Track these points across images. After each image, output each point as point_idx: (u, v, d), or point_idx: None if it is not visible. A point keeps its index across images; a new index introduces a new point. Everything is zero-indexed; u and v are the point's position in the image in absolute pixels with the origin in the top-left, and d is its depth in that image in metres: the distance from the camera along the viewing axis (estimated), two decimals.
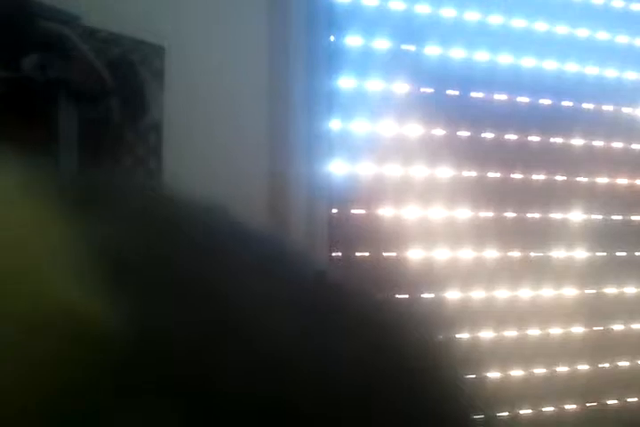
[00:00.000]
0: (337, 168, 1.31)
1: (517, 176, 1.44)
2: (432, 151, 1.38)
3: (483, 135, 1.42)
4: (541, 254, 1.43)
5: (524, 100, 1.45)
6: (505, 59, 1.45)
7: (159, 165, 0.92)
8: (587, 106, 1.49)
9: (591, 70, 1.50)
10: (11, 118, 0.74)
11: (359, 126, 1.34)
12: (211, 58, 1.08)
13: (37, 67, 0.76)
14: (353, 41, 1.34)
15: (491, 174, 1.42)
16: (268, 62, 1.18)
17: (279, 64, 1.21)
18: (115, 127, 0.83)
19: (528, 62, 1.46)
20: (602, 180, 1.50)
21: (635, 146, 1.52)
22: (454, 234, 1.38)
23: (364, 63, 1.35)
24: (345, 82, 1.33)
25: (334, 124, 1.31)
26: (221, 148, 1.09)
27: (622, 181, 1.51)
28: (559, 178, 1.46)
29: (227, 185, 1.09)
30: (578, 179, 1.48)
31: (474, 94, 1.42)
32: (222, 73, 1.10)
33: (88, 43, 0.83)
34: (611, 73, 1.52)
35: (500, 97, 1.44)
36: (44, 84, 0.76)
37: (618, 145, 1.50)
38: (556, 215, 1.45)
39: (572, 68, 1.49)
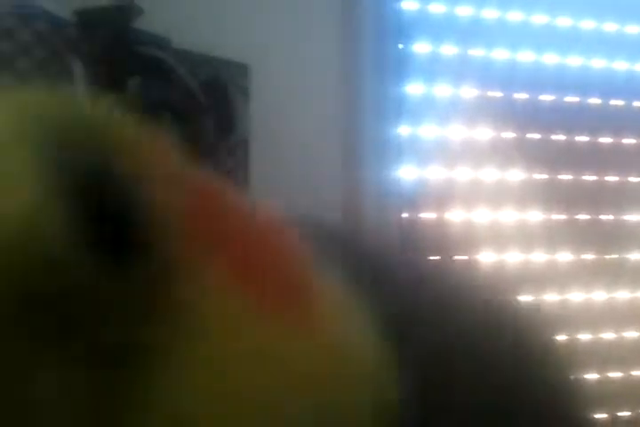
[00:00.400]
0: (407, 173, 1.34)
1: (589, 178, 1.44)
2: (502, 154, 1.39)
3: (553, 137, 1.43)
4: (616, 257, 1.42)
5: (594, 101, 1.45)
6: (574, 60, 1.45)
7: (246, 178, 0.96)
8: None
9: None
10: None
11: (428, 131, 1.36)
12: (287, 72, 1.12)
13: (140, 89, 0.81)
14: (421, 47, 1.36)
15: (562, 176, 1.43)
16: (340, 72, 1.22)
17: (350, 73, 1.24)
18: (208, 145, 0.87)
19: (598, 63, 1.46)
20: None
21: None
22: (526, 237, 1.39)
23: (432, 69, 1.37)
24: (414, 88, 1.35)
25: (404, 130, 1.33)
26: (299, 158, 1.12)
27: None
28: (632, 179, 1.46)
29: (304, 194, 1.12)
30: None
31: (542, 97, 1.43)
32: (298, 86, 1.14)
33: (181, 65, 0.87)
34: None
35: (570, 99, 1.44)
36: (147, 105, 0.81)
37: None
38: (631, 217, 1.45)
39: None
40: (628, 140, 1.46)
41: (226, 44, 0.95)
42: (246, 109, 0.94)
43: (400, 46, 1.33)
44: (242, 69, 0.96)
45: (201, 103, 0.84)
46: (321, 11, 1.17)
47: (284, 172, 1.08)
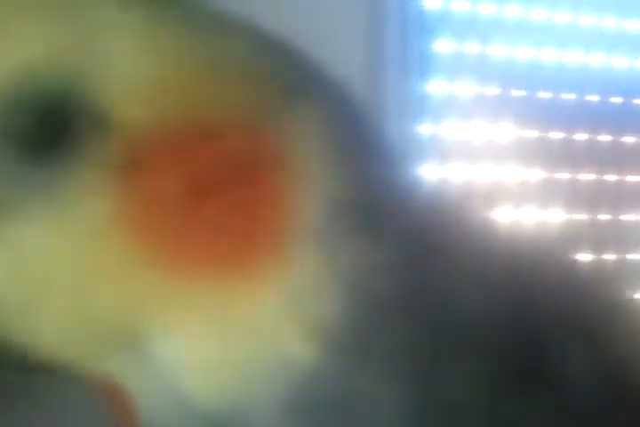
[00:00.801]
0: (428, 172, 1.33)
1: (611, 177, 1.43)
2: (524, 153, 1.38)
3: (576, 136, 1.42)
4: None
5: (617, 100, 1.44)
6: (596, 59, 1.44)
7: None
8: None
9: None
10: None
11: (450, 130, 1.35)
12: None
13: None
14: (444, 45, 1.35)
15: (583, 176, 1.41)
16: (363, 71, 1.21)
17: (374, 72, 1.24)
18: None
19: (620, 62, 1.45)
20: None
21: None
22: (548, 237, 1.38)
23: (455, 67, 1.36)
24: (436, 86, 1.34)
25: (426, 129, 1.32)
26: None
27: None
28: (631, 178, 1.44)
29: None
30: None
31: (565, 95, 1.42)
32: None
33: None
34: None
35: (593, 97, 1.43)
36: None
37: None
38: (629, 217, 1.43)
39: None
40: None
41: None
42: None
43: (424, 44, 1.32)
44: None
45: None
46: (346, 9, 1.16)
47: None
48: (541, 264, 0.25)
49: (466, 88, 1.37)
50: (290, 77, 0.21)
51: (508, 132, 1.38)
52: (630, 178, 1.44)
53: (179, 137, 0.19)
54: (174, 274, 0.19)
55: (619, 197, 1.43)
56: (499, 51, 1.39)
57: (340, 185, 0.21)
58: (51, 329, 0.20)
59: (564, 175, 1.40)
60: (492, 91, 1.38)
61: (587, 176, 1.42)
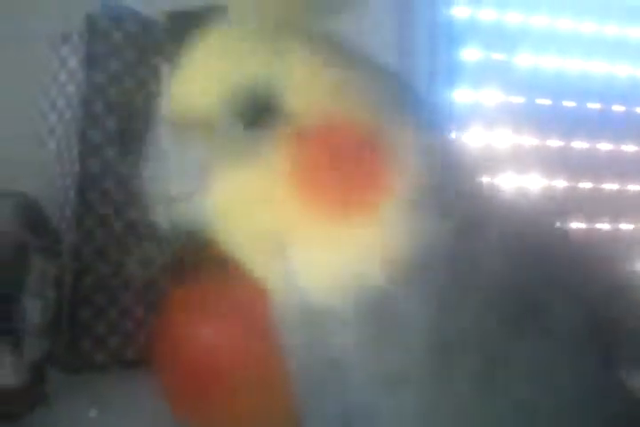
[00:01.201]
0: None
1: (612, 186, 1.43)
2: (547, 162, 1.39)
3: (599, 146, 1.43)
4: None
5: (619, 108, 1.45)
6: (620, 69, 1.45)
7: None
8: None
9: None
10: None
11: (475, 138, 1.37)
12: None
13: None
14: (471, 54, 1.37)
15: (582, 184, 1.42)
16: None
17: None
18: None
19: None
20: None
21: None
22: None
23: (482, 76, 1.38)
24: (464, 94, 1.37)
25: (453, 135, 1.35)
26: None
27: None
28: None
29: None
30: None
31: (590, 105, 1.44)
32: None
33: None
34: None
35: (618, 107, 1.45)
36: None
37: None
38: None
39: None
40: None
41: None
42: None
43: (452, 52, 1.35)
44: None
45: None
46: (376, 18, 1.19)
47: None
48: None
49: (491, 96, 1.38)
50: (398, 96, 0.33)
51: (532, 140, 1.39)
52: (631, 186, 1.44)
53: (328, 124, 0.30)
54: (315, 208, 0.30)
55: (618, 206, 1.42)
56: (525, 60, 1.41)
57: (424, 169, 0.31)
58: (241, 233, 0.32)
59: (586, 184, 1.41)
60: (517, 99, 1.40)
61: (610, 186, 1.42)
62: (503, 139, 1.38)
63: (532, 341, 0.30)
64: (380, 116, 0.31)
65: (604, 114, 1.45)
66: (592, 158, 1.43)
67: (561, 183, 1.41)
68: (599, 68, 1.45)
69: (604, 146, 1.44)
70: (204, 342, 0.64)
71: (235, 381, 0.63)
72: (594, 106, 1.44)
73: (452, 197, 0.31)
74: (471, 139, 1.37)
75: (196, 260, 0.82)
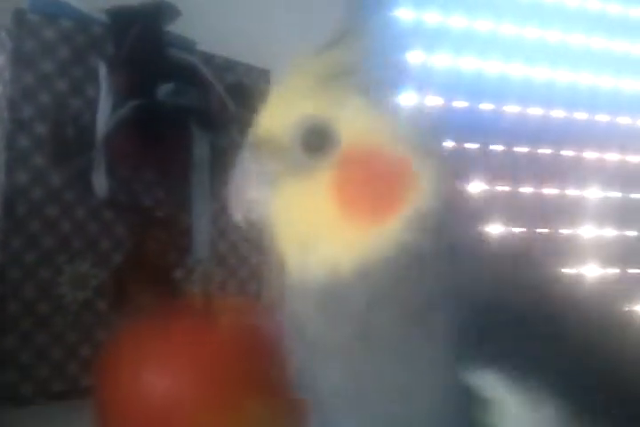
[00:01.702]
0: None
1: (552, 191, 1.42)
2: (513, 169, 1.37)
3: (563, 153, 1.41)
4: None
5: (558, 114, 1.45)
6: (564, 75, 1.44)
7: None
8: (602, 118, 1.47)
9: None
10: (147, 146, 0.74)
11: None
12: None
13: (171, 94, 0.76)
14: (416, 57, 1.33)
15: (524, 189, 1.41)
16: None
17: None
18: (235, 154, 0.82)
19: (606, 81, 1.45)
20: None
21: None
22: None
23: (426, 79, 1.34)
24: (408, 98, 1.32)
25: None
26: None
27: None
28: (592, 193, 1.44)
29: None
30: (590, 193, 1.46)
31: (531, 110, 1.42)
32: None
33: (207, 69, 0.82)
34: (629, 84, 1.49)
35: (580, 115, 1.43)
36: (176, 109, 0.76)
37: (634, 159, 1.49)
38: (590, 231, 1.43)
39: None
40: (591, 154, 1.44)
41: (247, 49, 0.91)
42: None
43: (397, 56, 1.31)
44: (264, 75, 0.92)
45: (230, 111, 0.80)
46: (333, 18, 1.13)
47: None
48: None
49: (435, 100, 1.35)
50: (417, 141, 0.41)
51: (475, 146, 1.36)
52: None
53: (366, 152, 0.40)
54: (343, 213, 0.39)
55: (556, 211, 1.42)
56: (469, 64, 1.38)
57: (435, 195, 0.39)
58: (287, 230, 0.41)
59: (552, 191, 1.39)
60: (461, 104, 1.37)
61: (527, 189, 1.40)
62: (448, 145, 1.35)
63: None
64: (406, 147, 0.40)
65: (545, 119, 1.43)
66: (535, 163, 1.41)
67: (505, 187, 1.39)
68: (542, 73, 1.43)
69: (546, 151, 1.42)
70: (147, 383, 0.57)
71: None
72: (537, 111, 1.42)
73: (450, 221, 0.39)
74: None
75: (137, 281, 0.75)
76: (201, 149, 0.75)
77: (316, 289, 0.39)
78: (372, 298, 0.38)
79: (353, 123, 0.39)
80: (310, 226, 0.39)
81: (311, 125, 0.40)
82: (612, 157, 1.48)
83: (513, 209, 1.39)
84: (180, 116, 0.74)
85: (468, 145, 1.37)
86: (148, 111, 0.73)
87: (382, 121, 0.40)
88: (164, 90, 0.75)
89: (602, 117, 1.48)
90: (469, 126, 1.37)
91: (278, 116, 0.41)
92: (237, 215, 0.41)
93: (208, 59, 0.86)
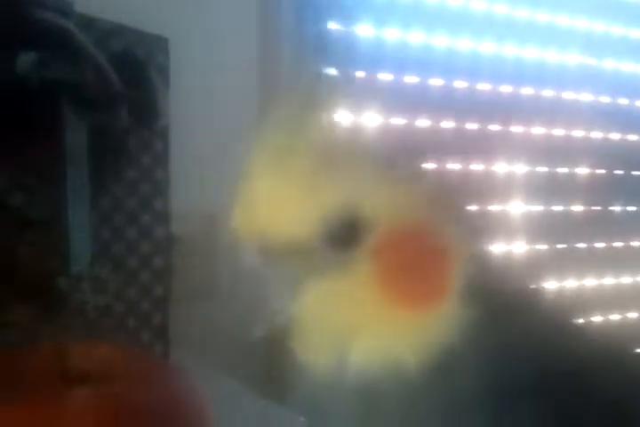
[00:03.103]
0: None
1: (479, 167, 1.32)
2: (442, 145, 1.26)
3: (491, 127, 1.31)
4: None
5: (506, 89, 1.35)
6: (508, 49, 1.33)
7: (166, 175, 0.76)
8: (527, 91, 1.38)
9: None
10: (4, 127, 0.57)
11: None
12: (204, 50, 0.92)
13: (35, 66, 0.58)
14: (338, 28, 1.20)
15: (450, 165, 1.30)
16: (258, 51, 1.04)
17: (269, 56, 1.07)
18: (123, 137, 0.67)
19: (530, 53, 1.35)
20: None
21: (576, 133, 1.43)
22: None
23: (351, 51, 1.22)
24: (333, 69, 1.20)
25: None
26: (219, 147, 0.94)
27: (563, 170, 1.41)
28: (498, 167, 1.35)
29: (224, 187, 0.94)
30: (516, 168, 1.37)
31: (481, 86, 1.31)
32: (215, 64, 0.95)
33: (87, 35, 0.65)
34: (552, 56, 1.41)
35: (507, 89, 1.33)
36: (42, 86, 0.59)
37: (559, 132, 1.41)
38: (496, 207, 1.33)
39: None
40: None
41: (141, 13, 0.74)
42: (166, 91, 0.73)
43: (320, 26, 1.17)
44: (161, 43, 0.75)
45: (112, 84, 0.63)
46: None
47: (203, 166, 0.89)
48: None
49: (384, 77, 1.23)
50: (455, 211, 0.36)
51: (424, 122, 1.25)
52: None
53: (398, 235, 0.34)
54: (396, 303, 0.34)
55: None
56: (417, 38, 1.25)
57: (473, 267, 0.34)
58: (317, 335, 0.35)
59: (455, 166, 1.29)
60: (411, 79, 1.25)
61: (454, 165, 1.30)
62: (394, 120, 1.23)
63: None
64: (442, 226, 0.34)
65: (495, 94, 1.33)
66: (460, 138, 1.30)
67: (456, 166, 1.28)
68: (489, 47, 1.32)
69: (495, 127, 1.32)
70: None
71: None
72: (485, 87, 1.31)
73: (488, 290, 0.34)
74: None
75: (8, 293, 0.59)
76: (75, 134, 0.59)
77: (354, 391, 0.34)
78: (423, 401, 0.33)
79: (386, 201, 0.33)
80: (349, 326, 0.34)
81: (339, 217, 0.33)
82: (539, 130, 1.39)
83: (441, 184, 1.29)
84: (46, 93, 0.57)
85: (393, 120, 1.25)
86: (3, 87, 0.56)
87: (407, 189, 0.34)
88: (25, 60, 0.57)
89: (527, 90, 1.39)
90: (394, 100, 1.25)
91: (294, 214, 0.33)
92: (259, 331, 0.35)
93: (89, 23, 0.69)
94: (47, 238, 0.62)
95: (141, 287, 0.73)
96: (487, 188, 1.34)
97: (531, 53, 1.39)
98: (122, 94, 0.64)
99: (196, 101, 0.87)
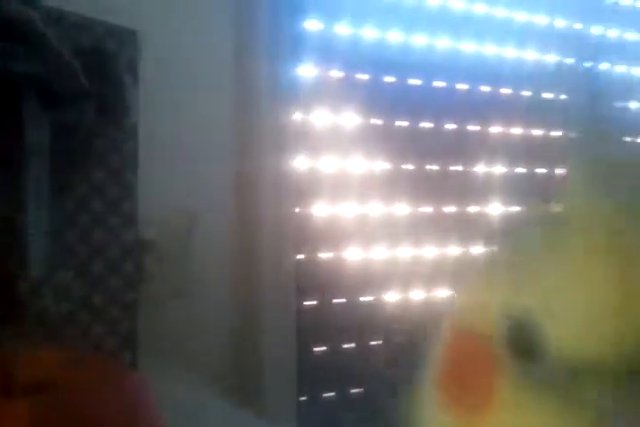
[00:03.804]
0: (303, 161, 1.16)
1: (433, 167, 1.29)
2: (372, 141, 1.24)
3: (422, 124, 1.29)
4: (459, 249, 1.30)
5: (462, 86, 1.33)
6: (443, 43, 1.31)
7: (135, 175, 0.73)
8: (505, 91, 1.37)
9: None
10: None
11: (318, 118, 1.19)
12: (178, 45, 0.89)
13: None
14: (313, 27, 1.18)
15: (405, 166, 1.27)
16: (233, 50, 1.01)
17: (244, 51, 1.05)
18: (89, 135, 0.63)
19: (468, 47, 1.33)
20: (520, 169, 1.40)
21: (553, 133, 1.42)
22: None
23: (323, 50, 1.19)
24: (306, 69, 1.17)
25: (298, 117, 1.15)
26: (188, 148, 0.92)
27: (541, 170, 1.41)
28: (478, 168, 1.33)
29: (193, 189, 0.92)
30: (494, 168, 1.35)
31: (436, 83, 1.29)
32: (189, 61, 0.92)
33: (55, 28, 0.62)
34: (530, 56, 1.40)
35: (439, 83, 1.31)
36: (3, 77, 0.56)
37: (537, 133, 1.40)
38: (474, 208, 1.32)
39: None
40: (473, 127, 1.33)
41: (110, 5, 0.71)
42: (135, 88, 0.70)
43: (295, 24, 1.15)
44: (130, 37, 0.72)
45: (79, 79, 0.60)
46: None
47: (173, 164, 0.87)
48: None
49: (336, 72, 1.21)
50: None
51: (356, 120, 1.22)
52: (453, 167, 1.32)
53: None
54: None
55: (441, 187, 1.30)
56: (370, 34, 1.23)
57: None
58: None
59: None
60: (363, 76, 1.23)
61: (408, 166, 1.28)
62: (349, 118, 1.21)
63: None
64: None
65: (450, 91, 1.30)
66: (416, 138, 1.28)
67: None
68: (445, 44, 1.29)
69: (451, 126, 1.30)
70: None
71: None
72: (440, 84, 1.29)
73: None
74: (314, 119, 1.18)
75: None
76: (37, 130, 0.55)
77: None
78: None
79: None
80: None
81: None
82: (517, 131, 1.38)
83: (419, 186, 1.27)
84: (5, 86, 0.54)
85: (372, 120, 1.23)
86: None
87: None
88: None
89: (505, 90, 1.38)
90: (373, 101, 1.23)
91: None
92: None
93: (57, 16, 0.66)
94: (3, 239, 0.59)
95: (109, 293, 0.70)
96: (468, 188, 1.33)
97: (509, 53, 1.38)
98: (88, 89, 0.61)
99: (166, 98, 0.84)
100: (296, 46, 1.16)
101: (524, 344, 0.27)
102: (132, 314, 0.71)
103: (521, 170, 1.39)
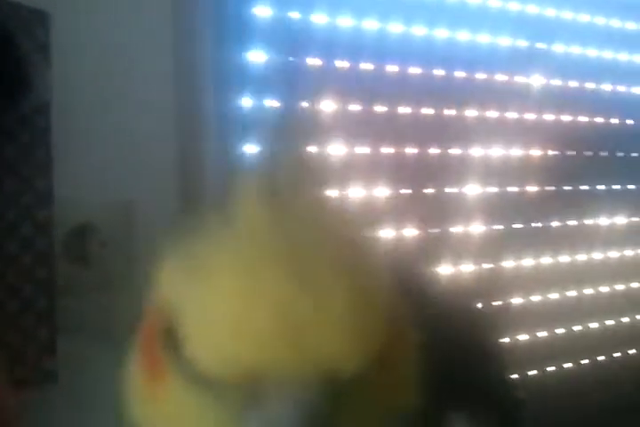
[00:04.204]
0: (250, 149, 1.16)
1: (412, 151, 1.29)
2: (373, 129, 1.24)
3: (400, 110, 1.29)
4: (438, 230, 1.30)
5: (439, 72, 1.32)
6: (419, 30, 1.31)
7: (48, 154, 0.73)
8: (480, 76, 1.36)
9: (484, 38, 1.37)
10: None
11: (274, 104, 1.18)
12: (102, 27, 0.88)
13: None
14: (264, 12, 1.18)
15: (384, 150, 1.27)
16: (173, 36, 1.01)
17: (185, 36, 1.04)
18: None
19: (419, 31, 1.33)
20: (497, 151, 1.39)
21: (528, 116, 1.41)
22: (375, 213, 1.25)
23: (277, 37, 1.19)
24: (257, 56, 1.17)
25: (246, 102, 1.15)
26: (120, 132, 0.91)
27: (516, 152, 1.39)
28: (454, 151, 1.32)
29: (129, 175, 0.92)
30: (472, 151, 1.34)
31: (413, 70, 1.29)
32: (119, 45, 0.92)
33: None
34: (504, 41, 1.39)
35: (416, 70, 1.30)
36: None
37: (512, 115, 1.39)
38: (453, 190, 1.32)
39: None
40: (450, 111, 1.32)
41: None
42: (47, 68, 0.71)
43: (241, 10, 1.14)
44: (40, 18, 0.73)
45: None
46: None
47: (98, 147, 0.87)
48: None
49: (288, 60, 1.21)
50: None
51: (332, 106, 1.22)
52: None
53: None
54: None
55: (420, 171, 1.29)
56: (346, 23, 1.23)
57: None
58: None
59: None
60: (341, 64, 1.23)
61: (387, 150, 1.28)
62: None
63: None
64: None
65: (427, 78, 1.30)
66: (393, 123, 1.28)
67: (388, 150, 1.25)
68: (420, 31, 1.29)
69: (406, 110, 1.28)
70: None
71: None
72: (416, 71, 1.28)
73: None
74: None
75: None
76: None
77: None
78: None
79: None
80: None
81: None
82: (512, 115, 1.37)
83: (400, 172, 1.27)
84: None
85: (351, 107, 1.23)
86: None
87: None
88: None
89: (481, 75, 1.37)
90: (350, 88, 1.23)
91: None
92: None
93: None
94: None
95: (23, 271, 0.71)
96: (443, 171, 1.32)
97: (484, 38, 1.37)
98: None
99: (85, 82, 0.84)
100: (245, 31, 1.16)
101: (174, 344, 0.28)
102: (49, 292, 0.71)
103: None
